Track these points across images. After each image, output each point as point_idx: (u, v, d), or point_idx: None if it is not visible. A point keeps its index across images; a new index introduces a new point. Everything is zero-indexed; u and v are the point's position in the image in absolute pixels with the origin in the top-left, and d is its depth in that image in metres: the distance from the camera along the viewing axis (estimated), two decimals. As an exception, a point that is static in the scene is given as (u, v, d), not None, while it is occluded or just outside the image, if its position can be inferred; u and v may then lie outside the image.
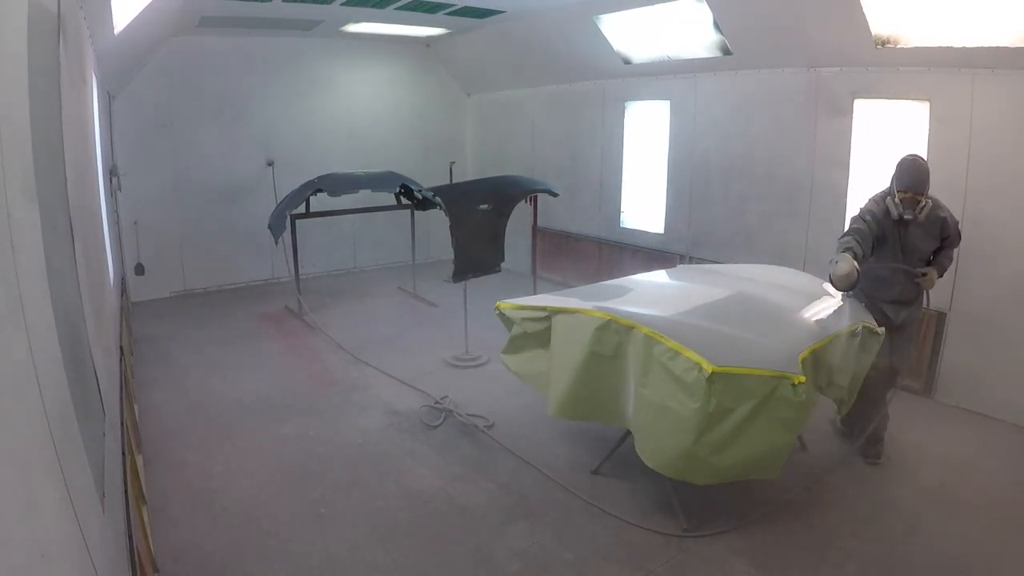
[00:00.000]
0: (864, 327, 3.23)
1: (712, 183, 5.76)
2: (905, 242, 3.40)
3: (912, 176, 3.34)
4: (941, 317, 4.25)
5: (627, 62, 6.14)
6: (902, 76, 4.28)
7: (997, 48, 3.66)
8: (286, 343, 5.60)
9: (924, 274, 3.42)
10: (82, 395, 1.64)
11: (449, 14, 6.15)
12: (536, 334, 3.34)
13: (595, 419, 3.25)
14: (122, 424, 2.74)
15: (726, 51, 5.20)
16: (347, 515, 3.10)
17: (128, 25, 4.17)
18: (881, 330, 3.33)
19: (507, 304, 3.46)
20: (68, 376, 1.45)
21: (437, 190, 5.22)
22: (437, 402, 4.24)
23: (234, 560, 2.77)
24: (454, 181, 7.51)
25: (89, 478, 1.50)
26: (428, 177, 6.98)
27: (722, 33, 5.05)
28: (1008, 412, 3.97)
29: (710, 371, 2.55)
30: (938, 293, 4.25)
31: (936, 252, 3.50)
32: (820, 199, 4.92)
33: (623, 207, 6.79)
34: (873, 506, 3.14)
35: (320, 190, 5.96)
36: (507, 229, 5.11)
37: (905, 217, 3.31)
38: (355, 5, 5.76)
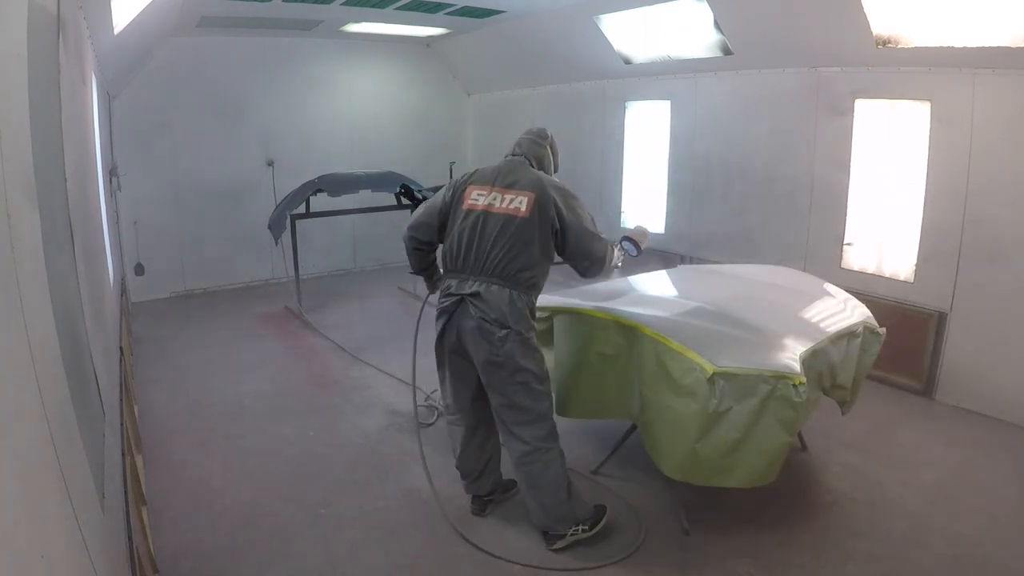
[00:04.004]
0: (865, 327, 3.24)
1: (713, 183, 5.75)
2: None
3: None
4: (942, 316, 4.24)
5: (627, 62, 6.14)
6: (903, 76, 4.27)
7: (998, 48, 3.66)
8: (286, 343, 5.59)
9: None
10: (82, 395, 1.63)
11: (449, 14, 6.15)
12: (537, 334, 3.34)
13: (602, 416, 3.24)
14: (122, 424, 2.74)
15: (727, 51, 5.20)
16: (347, 515, 3.10)
17: (128, 25, 4.17)
18: (882, 330, 3.33)
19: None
20: (68, 376, 1.45)
21: (437, 190, 5.22)
22: (428, 397, 4.25)
23: (234, 560, 2.77)
24: (454, 181, 7.48)
25: (89, 479, 1.50)
26: (428, 177, 6.97)
27: (723, 33, 5.05)
28: (1009, 412, 3.97)
29: (711, 371, 2.55)
30: (939, 292, 4.26)
31: None
32: (821, 199, 4.92)
33: (623, 207, 6.79)
34: (873, 506, 3.13)
35: (320, 190, 5.95)
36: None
37: None
38: (355, 5, 5.75)
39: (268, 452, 3.70)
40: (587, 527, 2.84)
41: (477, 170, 2.95)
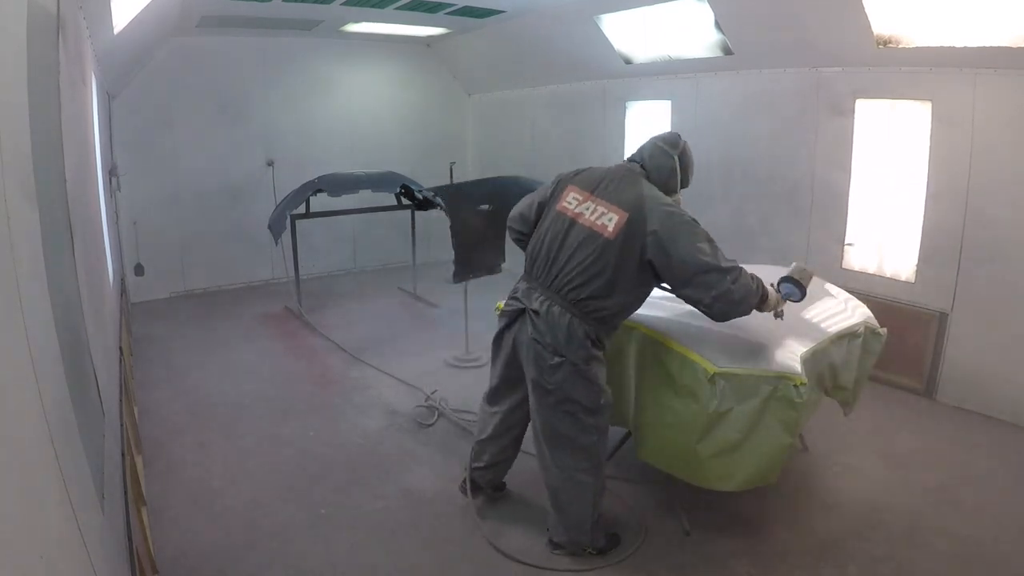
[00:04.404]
0: (866, 327, 3.23)
1: (713, 183, 5.74)
2: None
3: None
4: (943, 317, 4.24)
5: (628, 62, 6.13)
6: (904, 76, 4.27)
7: (999, 48, 3.65)
8: (286, 344, 5.59)
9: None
10: (81, 396, 1.63)
11: (449, 14, 6.14)
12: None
13: None
14: (122, 425, 2.74)
15: (727, 51, 5.19)
16: (348, 516, 3.09)
17: (128, 25, 4.16)
18: (883, 330, 3.33)
19: (508, 304, 3.45)
20: (67, 377, 1.44)
21: (438, 190, 5.22)
22: (428, 397, 4.24)
23: (234, 561, 2.76)
24: (454, 181, 7.48)
25: (88, 479, 1.50)
26: (428, 177, 6.95)
27: (723, 33, 5.04)
28: (1010, 413, 3.97)
29: (712, 372, 2.54)
30: (940, 292, 4.26)
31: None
32: (821, 199, 4.92)
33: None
34: (874, 507, 3.13)
35: (320, 190, 5.94)
36: (508, 229, 5.10)
37: None
38: (355, 5, 5.74)
39: (268, 452, 3.69)
40: (594, 552, 2.76)
41: (589, 168, 2.69)
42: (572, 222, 2.53)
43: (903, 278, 4.50)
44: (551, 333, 2.49)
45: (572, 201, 2.57)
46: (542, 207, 2.71)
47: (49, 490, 1.13)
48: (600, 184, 2.57)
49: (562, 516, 2.71)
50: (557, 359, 2.49)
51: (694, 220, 2.49)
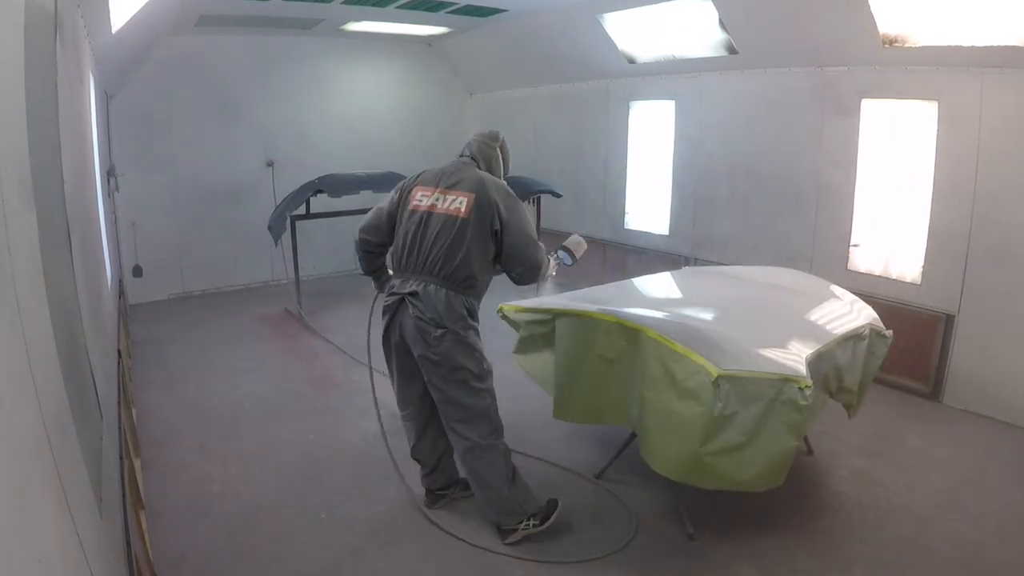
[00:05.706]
0: (871, 329, 3.21)
1: (717, 184, 5.73)
2: None
3: None
4: (950, 319, 4.21)
5: (631, 61, 6.11)
6: (910, 76, 4.24)
7: (1006, 47, 3.63)
8: (286, 345, 5.56)
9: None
10: (79, 399, 1.61)
11: (451, 13, 6.13)
12: (542, 336, 3.31)
13: (601, 422, 3.21)
14: (120, 428, 2.72)
15: (732, 50, 5.17)
16: (348, 519, 3.07)
17: (126, 24, 4.14)
18: (889, 332, 3.30)
19: (510, 306, 3.43)
20: (65, 380, 1.43)
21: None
22: None
23: (233, 565, 2.74)
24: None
25: (87, 483, 1.48)
26: (429, 178, 6.95)
27: (728, 32, 5.03)
28: (1017, 416, 3.94)
29: (716, 374, 2.51)
30: (946, 294, 4.23)
31: None
32: (826, 200, 4.89)
33: (627, 208, 6.76)
34: (879, 511, 3.10)
35: (320, 191, 5.92)
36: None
37: None
38: (356, 4, 5.72)
39: (268, 455, 3.67)
40: (537, 522, 2.88)
41: (424, 171, 3.00)
42: (428, 214, 2.84)
43: (909, 280, 4.48)
44: (431, 308, 2.75)
45: (422, 198, 2.87)
46: (392, 215, 2.98)
47: (47, 494, 1.11)
48: (442, 178, 2.89)
49: (482, 488, 2.87)
50: (440, 331, 2.74)
51: (518, 199, 2.90)
